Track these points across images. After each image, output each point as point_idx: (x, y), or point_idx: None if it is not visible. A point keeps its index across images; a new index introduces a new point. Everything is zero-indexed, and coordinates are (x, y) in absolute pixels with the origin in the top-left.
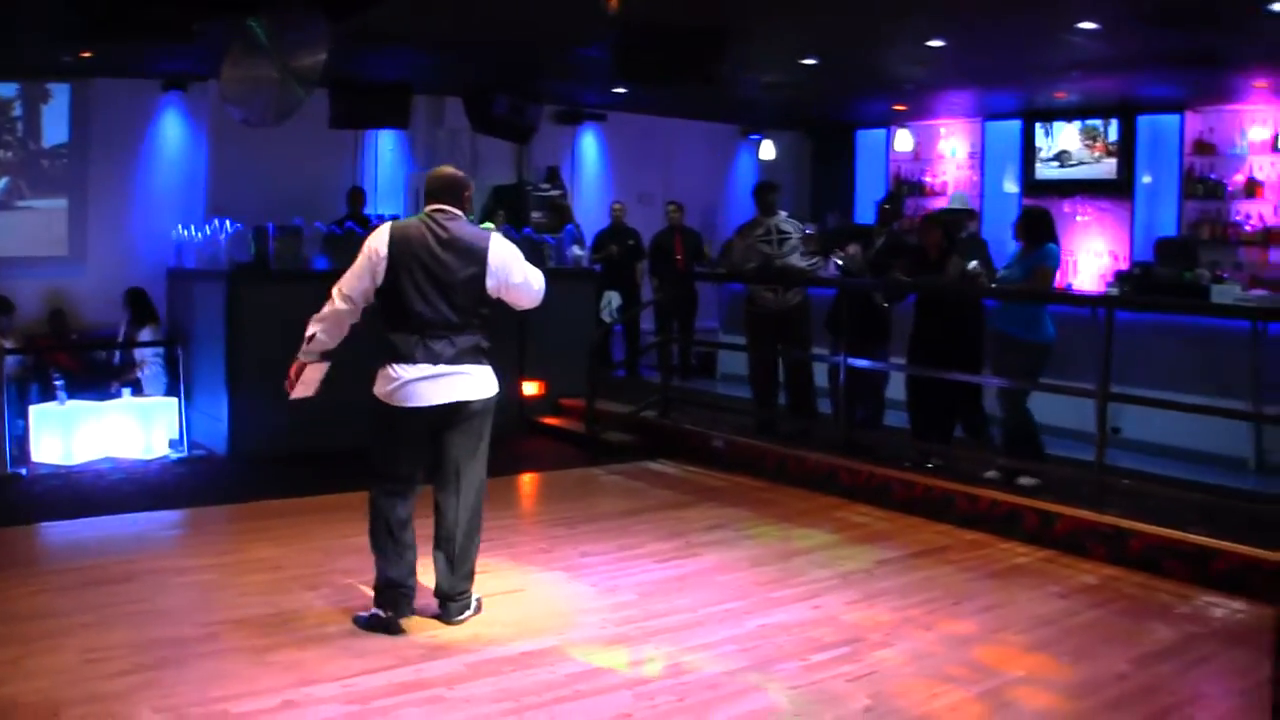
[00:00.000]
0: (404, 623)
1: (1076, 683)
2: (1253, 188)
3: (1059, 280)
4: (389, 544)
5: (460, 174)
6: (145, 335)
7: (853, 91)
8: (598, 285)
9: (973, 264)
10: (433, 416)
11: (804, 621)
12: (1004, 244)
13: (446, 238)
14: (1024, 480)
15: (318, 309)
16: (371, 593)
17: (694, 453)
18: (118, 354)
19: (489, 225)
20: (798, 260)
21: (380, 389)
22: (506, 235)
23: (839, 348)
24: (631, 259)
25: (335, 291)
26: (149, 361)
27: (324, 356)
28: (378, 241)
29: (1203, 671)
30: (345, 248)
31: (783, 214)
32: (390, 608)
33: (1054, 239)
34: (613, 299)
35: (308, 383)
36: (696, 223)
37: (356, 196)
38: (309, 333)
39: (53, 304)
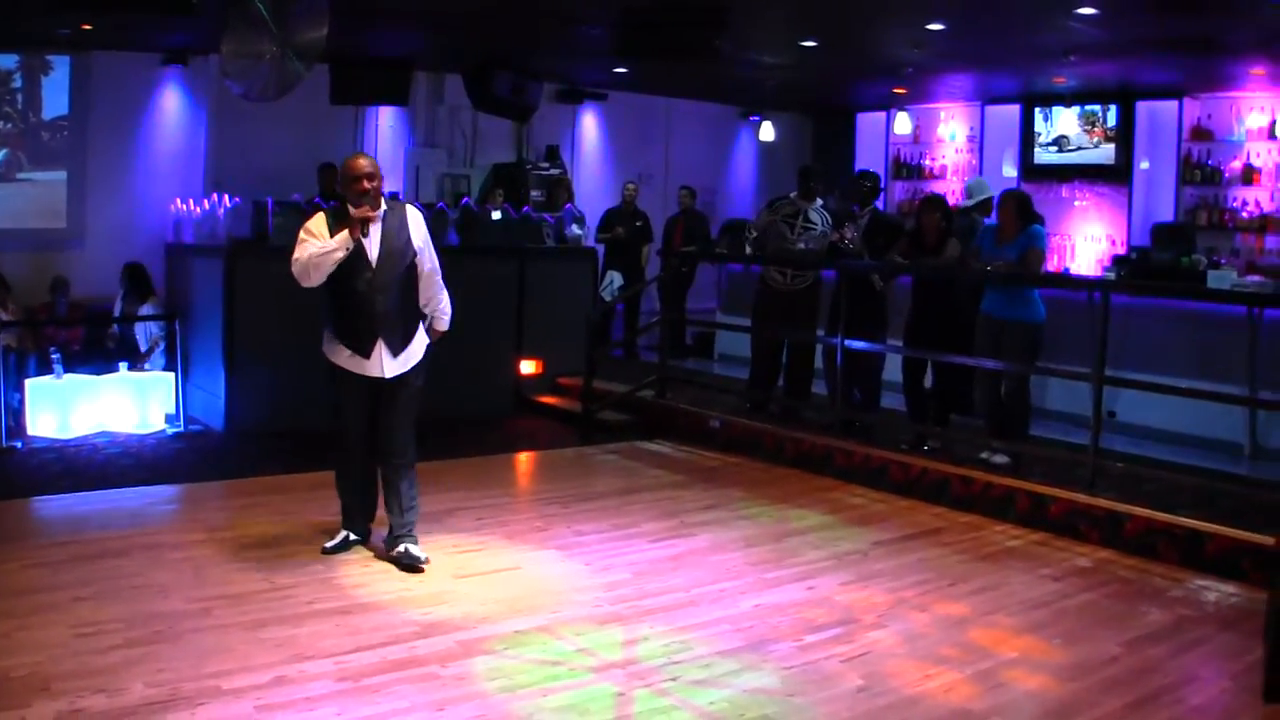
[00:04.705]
0: (397, 598)
1: (1069, 665)
2: (1250, 174)
3: (1048, 262)
4: None
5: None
6: (146, 310)
7: (853, 74)
8: (599, 265)
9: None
10: None
11: (798, 602)
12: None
13: None
14: (998, 459)
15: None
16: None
17: (690, 433)
18: (117, 329)
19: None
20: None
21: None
22: (505, 214)
23: (836, 329)
24: (638, 240)
25: None
26: (162, 339)
27: None
28: None
29: (1195, 654)
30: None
31: (819, 203)
32: None
33: (1039, 219)
34: (614, 279)
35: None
36: (698, 203)
37: (326, 173)
38: None
39: (53, 274)
